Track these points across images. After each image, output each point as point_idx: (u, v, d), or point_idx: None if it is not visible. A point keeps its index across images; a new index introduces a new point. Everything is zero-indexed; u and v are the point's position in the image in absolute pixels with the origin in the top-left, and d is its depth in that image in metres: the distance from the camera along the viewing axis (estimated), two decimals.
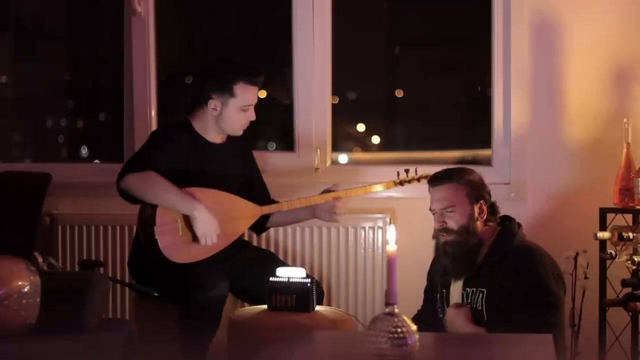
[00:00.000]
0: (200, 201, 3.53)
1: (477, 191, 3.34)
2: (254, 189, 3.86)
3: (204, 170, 3.68)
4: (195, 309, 3.46)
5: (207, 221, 3.53)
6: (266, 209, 3.75)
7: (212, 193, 3.60)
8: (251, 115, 3.70)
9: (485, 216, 3.33)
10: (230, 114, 3.67)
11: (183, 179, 3.58)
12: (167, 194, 3.53)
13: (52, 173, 4.15)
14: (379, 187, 3.81)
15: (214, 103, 3.67)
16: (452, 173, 3.40)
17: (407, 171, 3.78)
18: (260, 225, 3.87)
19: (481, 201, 3.33)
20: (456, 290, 3.34)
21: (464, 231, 3.31)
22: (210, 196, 3.58)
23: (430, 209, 3.39)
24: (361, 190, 3.81)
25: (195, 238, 3.54)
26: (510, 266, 3.22)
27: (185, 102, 4.30)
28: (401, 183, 3.78)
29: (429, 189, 3.41)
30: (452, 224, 3.32)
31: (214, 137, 3.75)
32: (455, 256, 3.32)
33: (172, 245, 3.53)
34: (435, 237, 3.38)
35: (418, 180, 3.78)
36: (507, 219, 3.40)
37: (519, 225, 3.39)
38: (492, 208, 3.36)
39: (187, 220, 3.54)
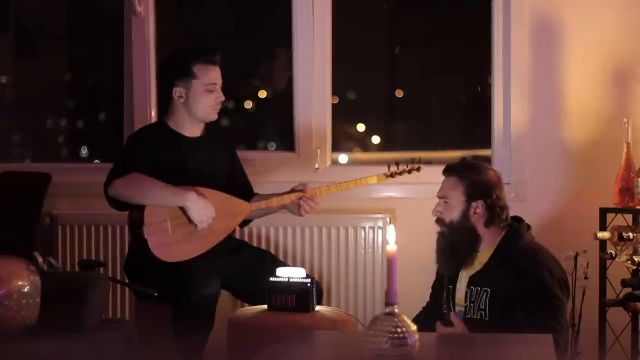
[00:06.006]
0: (190, 190, 3.54)
1: (480, 191, 3.29)
2: (234, 181, 3.85)
3: (187, 166, 3.69)
4: (188, 308, 3.45)
5: (201, 207, 3.54)
6: (254, 206, 3.75)
7: (203, 191, 3.59)
8: (219, 96, 3.72)
9: (482, 218, 3.30)
10: (197, 96, 3.69)
11: (167, 178, 3.58)
12: (155, 191, 3.54)
13: (52, 173, 4.16)
14: (371, 179, 3.79)
15: (178, 90, 3.70)
16: (463, 168, 3.38)
17: (397, 164, 3.78)
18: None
19: (479, 201, 3.28)
20: (461, 288, 3.33)
21: (453, 226, 3.30)
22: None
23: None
24: (350, 185, 3.79)
25: (188, 235, 3.55)
26: (516, 267, 3.19)
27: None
28: (391, 175, 3.79)
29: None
30: (445, 216, 3.33)
31: (192, 130, 3.75)
32: (442, 249, 3.33)
33: (162, 244, 3.53)
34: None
35: (409, 172, 3.78)
36: (517, 220, 3.36)
37: (529, 226, 3.34)
38: (493, 212, 3.28)
39: (177, 219, 3.55)
